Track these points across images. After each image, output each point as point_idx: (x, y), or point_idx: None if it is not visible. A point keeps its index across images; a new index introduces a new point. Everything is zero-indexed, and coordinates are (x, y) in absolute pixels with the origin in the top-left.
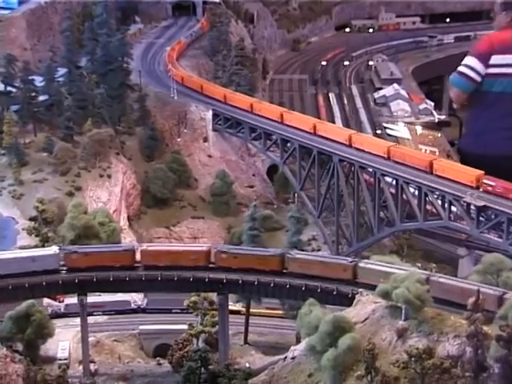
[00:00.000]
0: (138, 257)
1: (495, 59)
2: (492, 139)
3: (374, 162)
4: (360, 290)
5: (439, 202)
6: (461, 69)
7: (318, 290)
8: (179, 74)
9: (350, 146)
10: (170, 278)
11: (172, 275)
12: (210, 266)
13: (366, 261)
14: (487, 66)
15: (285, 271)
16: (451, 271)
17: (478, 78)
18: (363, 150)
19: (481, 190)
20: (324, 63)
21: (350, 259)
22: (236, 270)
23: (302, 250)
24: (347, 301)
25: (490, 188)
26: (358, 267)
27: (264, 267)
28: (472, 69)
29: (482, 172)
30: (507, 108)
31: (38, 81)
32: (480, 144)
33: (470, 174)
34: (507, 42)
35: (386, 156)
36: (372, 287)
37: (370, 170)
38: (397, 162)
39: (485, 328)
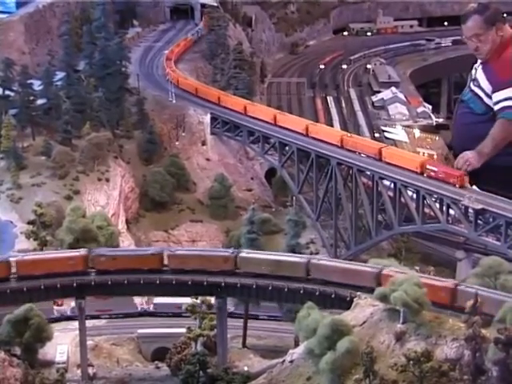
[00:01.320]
0: None
1: None
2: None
3: (369, 165)
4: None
5: (437, 205)
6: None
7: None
8: (175, 76)
9: (306, 135)
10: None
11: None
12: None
13: (246, 251)
14: None
15: (165, 268)
16: (449, 274)
17: None
18: (319, 139)
19: (425, 175)
20: (322, 66)
21: (231, 250)
22: (116, 272)
23: (301, 253)
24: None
25: (432, 173)
26: (239, 257)
27: (144, 266)
28: None
29: (427, 158)
30: None
31: (37, 84)
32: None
33: (415, 160)
34: None
35: (339, 144)
36: (253, 275)
37: (368, 173)
38: (349, 150)
39: (483, 331)
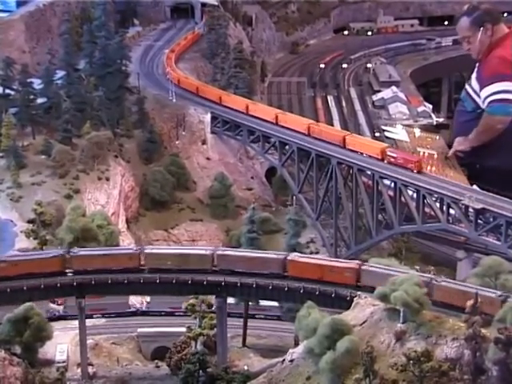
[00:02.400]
0: None
1: None
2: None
3: (370, 164)
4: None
5: (437, 204)
6: (499, 96)
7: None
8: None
9: (276, 124)
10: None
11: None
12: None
13: (151, 247)
14: None
15: (67, 271)
16: (450, 274)
17: None
18: (288, 128)
19: (385, 161)
20: (322, 66)
21: (134, 247)
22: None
23: (302, 252)
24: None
25: (392, 159)
26: (144, 254)
27: (46, 269)
28: (510, 92)
29: (386, 145)
30: None
31: (37, 83)
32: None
33: (375, 146)
34: None
35: (306, 132)
36: (157, 270)
37: (369, 172)
38: (316, 138)
39: (483, 331)
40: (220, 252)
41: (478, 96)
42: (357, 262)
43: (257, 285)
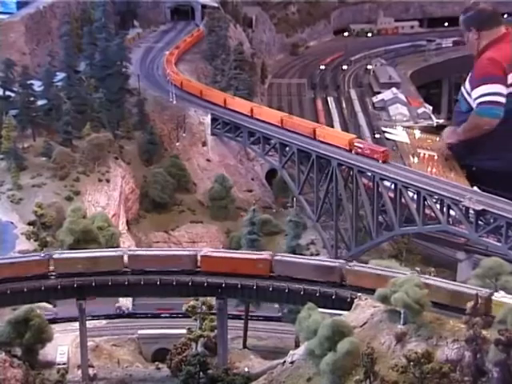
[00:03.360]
0: None
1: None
2: (482, 157)
3: (370, 166)
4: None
5: (438, 206)
6: (488, 98)
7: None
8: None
9: (251, 117)
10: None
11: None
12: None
13: (60, 251)
14: (507, 86)
15: None
16: (450, 275)
17: (502, 99)
18: (263, 121)
19: (353, 151)
20: (323, 67)
21: (42, 254)
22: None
23: (302, 254)
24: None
25: (359, 150)
26: (53, 259)
27: None
28: (499, 94)
29: (354, 136)
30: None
31: (37, 85)
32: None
33: (343, 138)
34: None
35: (279, 125)
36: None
37: (369, 174)
38: (288, 130)
39: (483, 332)
40: (131, 252)
41: (470, 97)
42: (269, 253)
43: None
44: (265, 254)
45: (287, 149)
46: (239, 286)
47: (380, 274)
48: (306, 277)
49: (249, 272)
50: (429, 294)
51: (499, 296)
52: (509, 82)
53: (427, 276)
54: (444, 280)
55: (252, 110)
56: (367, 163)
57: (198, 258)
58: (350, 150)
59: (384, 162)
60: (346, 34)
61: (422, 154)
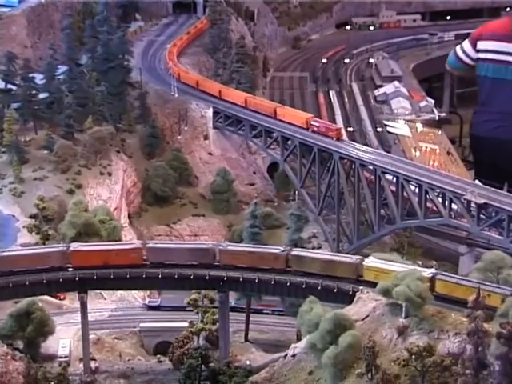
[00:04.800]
0: None
1: (481, 45)
2: (476, 121)
3: (372, 159)
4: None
5: (440, 199)
6: (456, 48)
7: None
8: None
9: (220, 98)
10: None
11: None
12: None
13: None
14: (476, 50)
15: None
16: (452, 268)
17: (468, 61)
18: (228, 101)
19: (310, 130)
20: (324, 61)
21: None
22: None
23: (303, 247)
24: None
25: (315, 128)
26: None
27: None
28: (463, 51)
29: (312, 115)
30: (488, 91)
31: (39, 78)
32: (472, 125)
33: (301, 117)
34: (495, 29)
35: (244, 105)
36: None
37: (371, 167)
38: (252, 110)
39: (485, 325)
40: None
41: None
42: (140, 242)
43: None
44: (136, 243)
45: (289, 142)
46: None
47: (252, 252)
48: (181, 261)
49: (122, 262)
50: (303, 265)
51: (369, 261)
52: (477, 47)
53: (299, 248)
54: (316, 251)
55: (220, 92)
56: (369, 156)
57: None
58: (308, 129)
59: (338, 139)
60: (348, 27)
61: (423, 148)
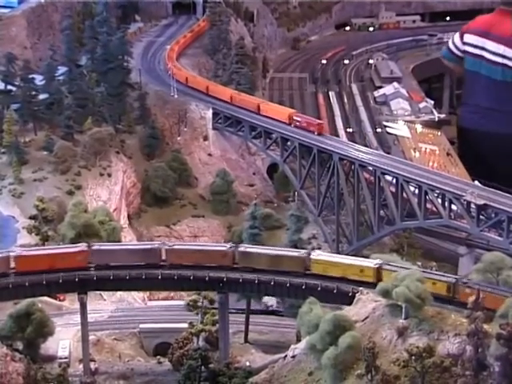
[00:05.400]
0: None
1: (467, 38)
2: (461, 113)
3: (371, 160)
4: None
5: (439, 200)
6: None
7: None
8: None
9: (207, 94)
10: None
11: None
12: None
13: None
14: (463, 43)
15: None
16: (451, 269)
17: (458, 52)
18: (215, 97)
19: (292, 125)
20: (324, 62)
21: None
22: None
23: (303, 248)
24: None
25: (298, 123)
26: None
27: None
28: (453, 42)
29: (294, 111)
30: (469, 85)
31: (39, 79)
32: (458, 117)
33: (283, 112)
34: (479, 25)
35: (229, 100)
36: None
37: (370, 168)
38: (238, 106)
39: (485, 326)
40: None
41: None
42: (85, 244)
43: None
44: (81, 246)
45: (289, 143)
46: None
47: (200, 250)
48: (127, 262)
49: (68, 266)
50: (251, 261)
51: (316, 254)
52: (464, 39)
53: (246, 245)
54: (263, 247)
55: (208, 88)
56: (368, 157)
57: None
58: (290, 124)
59: (319, 134)
60: (347, 28)
61: (423, 149)
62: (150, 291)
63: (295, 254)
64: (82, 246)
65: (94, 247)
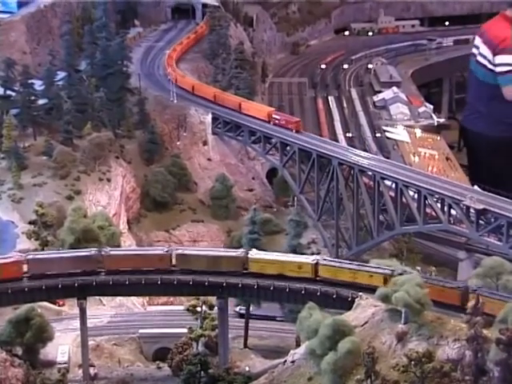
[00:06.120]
0: None
1: (476, 39)
2: (464, 114)
3: (371, 165)
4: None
5: (439, 205)
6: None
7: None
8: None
9: (192, 93)
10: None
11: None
12: None
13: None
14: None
15: None
16: (451, 274)
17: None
18: (200, 96)
19: (271, 123)
20: (323, 66)
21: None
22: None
23: (302, 253)
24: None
25: (276, 121)
26: None
27: None
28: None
29: (273, 109)
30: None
31: (38, 84)
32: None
33: (263, 110)
34: (488, 29)
35: (213, 100)
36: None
37: (370, 173)
38: (220, 105)
39: (484, 331)
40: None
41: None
42: (20, 254)
43: None
44: (16, 256)
45: (288, 148)
46: None
47: (137, 254)
48: (64, 270)
49: (3, 277)
50: (189, 264)
51: (254, 253)
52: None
53: (183, 247)
54: (201, 248)
55: (193, 87)
56: (368, 162)
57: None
58: (269, 121)
59: (297, 131)
60: (346, 32)
61: (422, 153)
62: (149, 296)
63: (233, 254)
64: (16, 256)
65: (30, 256)
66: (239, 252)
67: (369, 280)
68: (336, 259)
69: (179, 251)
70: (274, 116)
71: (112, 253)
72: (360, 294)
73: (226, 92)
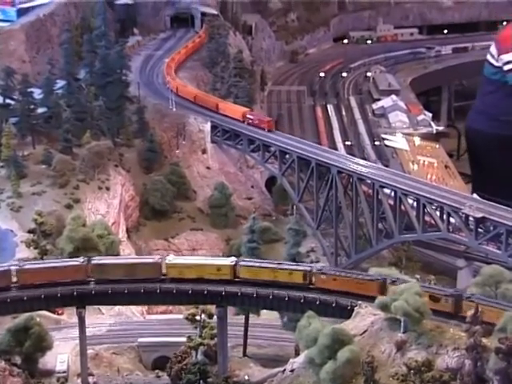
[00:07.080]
0: None
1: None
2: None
3: (370, 173)
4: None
5: (438, 213)
6: None
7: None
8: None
9: (177, 94)
10: None
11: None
12: None
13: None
14: None
15: None
16: (450, 283)
17: None
18: (182, 97)
19: (245, 123)
20: (322, 75)
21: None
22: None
23: (302, 262)
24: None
25: (250, 121)
26: None
27: None
28: None
29: (248, 109)
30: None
31: (37, 93)
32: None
33: (238, 110)
34: (503, 34)
35: (193, 100)
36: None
37: (369, 181)
38: (199, 105)
39: (484, 340)
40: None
41: None
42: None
43: None
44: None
45: (287, 156)
46: None
47: (52, 267)
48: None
49: None
50: (106, 273)
51: (171, 258)
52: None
53: (99, 257)
54: (117, 257)
55: (177, 88)
56: (367, 171)
57: None
58: (244, 121)
59: (269, 130)
60: (345, 41)
61: (421, 161)
62: (148, 305)
63: (149, 260)
64: None
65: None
66: (156, 258)
67: (288, 277)
68: (256, 259)
69: (95, 261)
70: (248, 116)
71: (26, 267)
72: (359, 302)
73: (206, 93)
